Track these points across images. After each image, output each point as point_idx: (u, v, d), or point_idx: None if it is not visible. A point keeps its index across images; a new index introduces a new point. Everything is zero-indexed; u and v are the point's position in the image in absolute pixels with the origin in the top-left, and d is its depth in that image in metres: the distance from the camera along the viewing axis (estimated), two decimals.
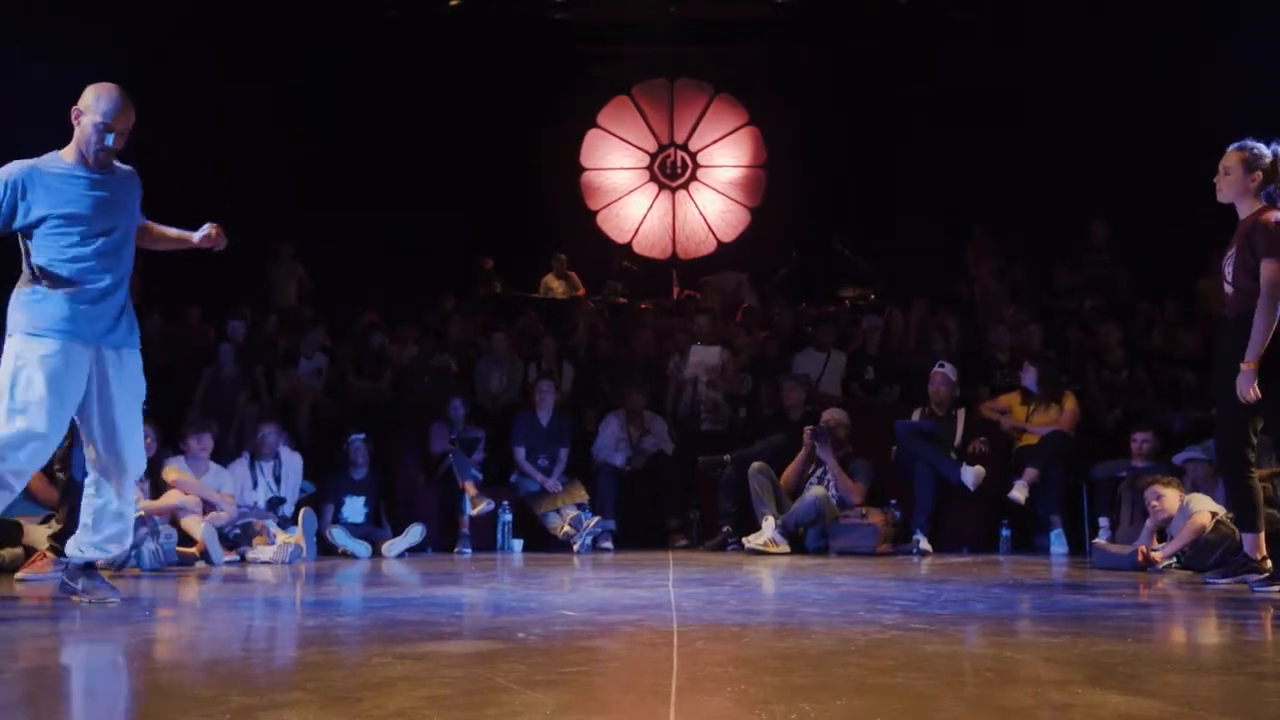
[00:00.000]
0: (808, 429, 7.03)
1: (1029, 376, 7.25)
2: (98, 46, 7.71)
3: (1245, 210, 4.36)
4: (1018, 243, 10.35)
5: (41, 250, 3.68)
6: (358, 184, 10.64)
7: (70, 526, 4.20)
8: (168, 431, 6.65)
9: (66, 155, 3.80)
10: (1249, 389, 4.13)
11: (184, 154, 8.87)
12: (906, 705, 1.95)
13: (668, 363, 8.77)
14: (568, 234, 12.81)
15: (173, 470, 6.31)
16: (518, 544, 7.12)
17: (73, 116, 3.77)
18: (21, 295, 3.70)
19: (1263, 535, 4.44)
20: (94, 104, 3.75)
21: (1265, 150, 4.32)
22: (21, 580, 4.84)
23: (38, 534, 5.37)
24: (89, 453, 3.81)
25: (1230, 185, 4.37)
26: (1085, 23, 9.84)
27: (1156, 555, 5.42)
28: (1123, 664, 2.43)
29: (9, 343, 3.63)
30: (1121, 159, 9.68)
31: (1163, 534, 5.61)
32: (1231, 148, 4.39)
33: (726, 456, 7.34)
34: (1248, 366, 4.16)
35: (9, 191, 3.66)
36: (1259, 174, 4.30)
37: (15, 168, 3.70)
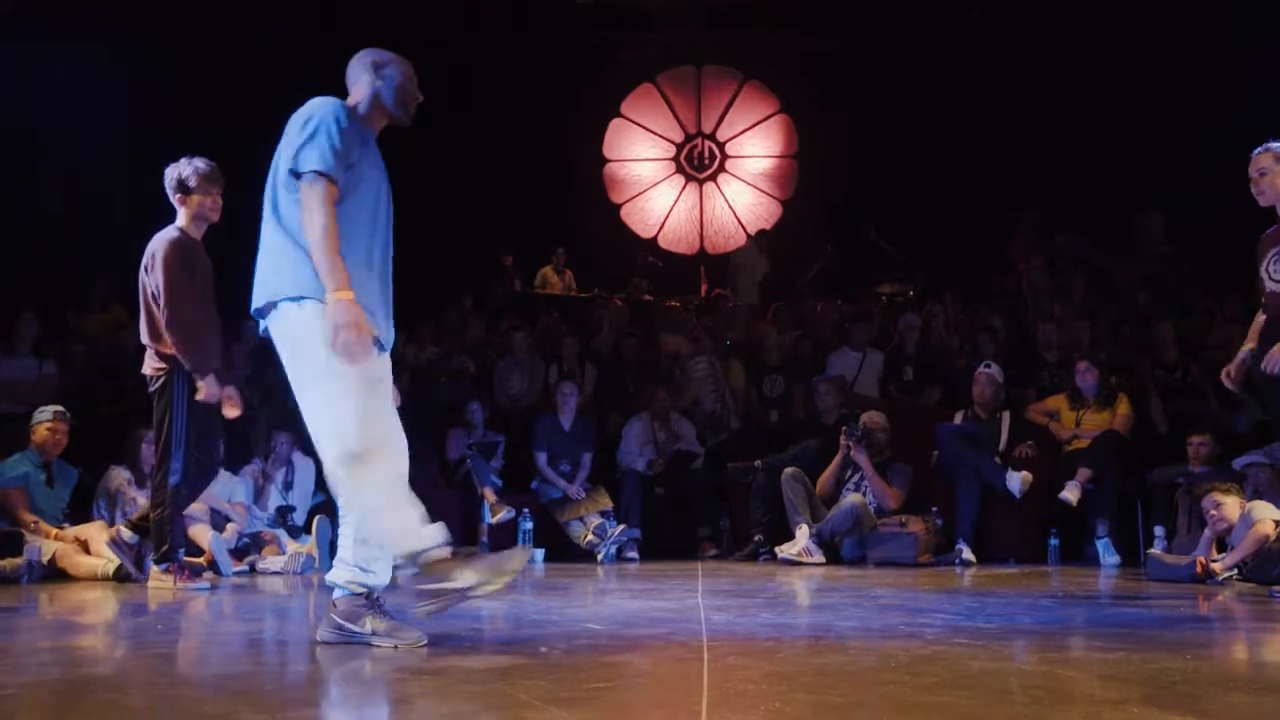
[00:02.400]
0: (843, 429, 7.01)
1: (1085, 379, 7.19)
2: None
3: None
4: (1067, 235, 10.28)
5: None
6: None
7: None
8: None
9: None
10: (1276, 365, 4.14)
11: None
12: None
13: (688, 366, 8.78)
14: (590, 228, 12.85)
15: None
16: (539, 553, 7.13)
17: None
18: None
19: None
20: None
21: None
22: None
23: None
24: None
25: (1269, 186, 4.37)
26: (1131, 5, 9.76)
27: (1216, 566, 5.35)
28: (1182, 682, 2.40)
29: None
30: (1179, 144, 9.59)
31: (1222, 544, 5.55)
32: (1258, 151, 4.39)
33: (758, 462, 7.33)
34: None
35: None
36: None
37: None
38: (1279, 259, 4.36)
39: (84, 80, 8.87)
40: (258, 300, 3.02)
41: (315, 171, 2.91)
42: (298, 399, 3.03)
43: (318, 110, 3.00)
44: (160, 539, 5.05)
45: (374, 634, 2.91)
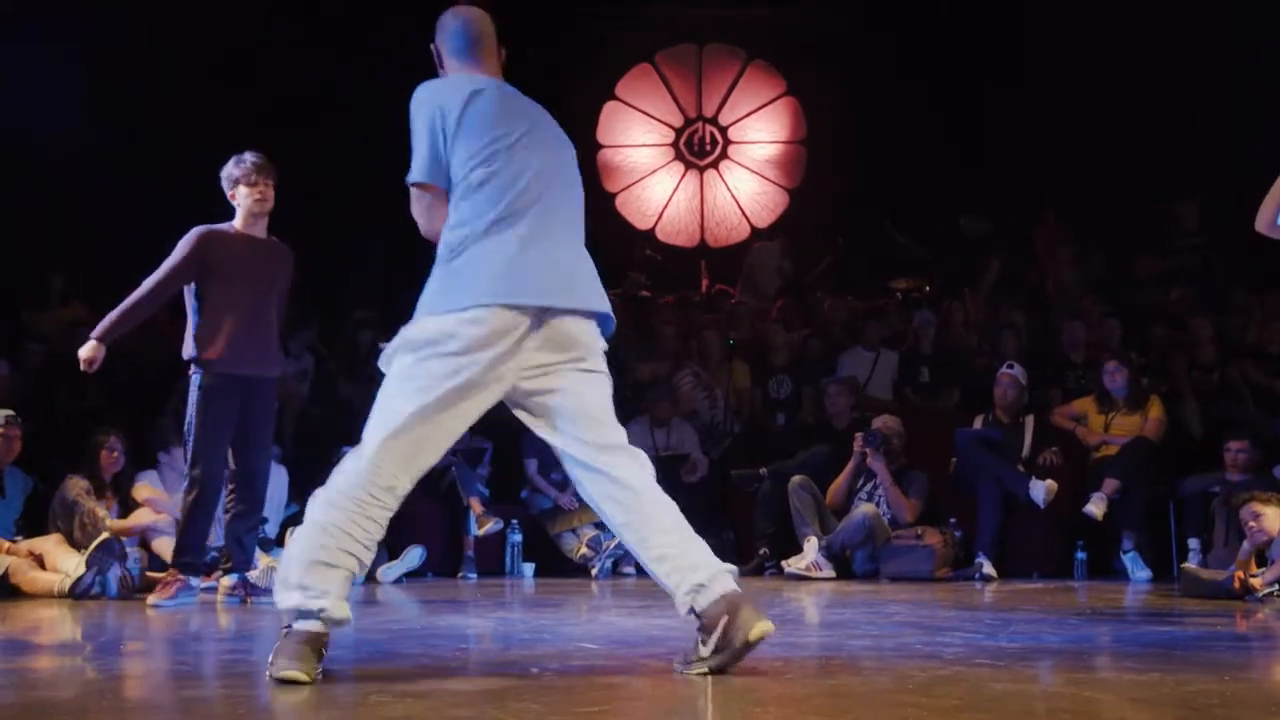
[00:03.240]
0: (858, 435, 7.02)
1: (1114, 380, 7.20)
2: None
3: None
4: (1095, 227, 10.30)
5: None
6: (347, 164, 10.69)
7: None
8: (137, 443, 6.71)
9: None
10: None
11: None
12: None
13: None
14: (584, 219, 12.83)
15: (144, 487, 6.37)
16: (529, 568, 7.15)
17: None
18: None
19: None
20: None
21: None
22: (155, 606, 4.99)
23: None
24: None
25: None
26: None
27: (1256, 582, 5.37)
28: (1219, 706, 2.41)
29: None
30: (1213, 131, 9.61)
31: (1262, 558, 5.56)
32: None
33: (763, 470, 7.35)
34: None
35: None
36: None
37: None
38: None
39: (38, 74, 8.89)
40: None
41: None
42: None
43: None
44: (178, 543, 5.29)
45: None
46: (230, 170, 5.22)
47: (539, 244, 2.92)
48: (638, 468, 2.93)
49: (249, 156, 5.21)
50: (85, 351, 5.01)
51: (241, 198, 5.22)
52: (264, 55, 10.25)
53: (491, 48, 3.13)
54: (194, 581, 5.21)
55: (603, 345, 3.01)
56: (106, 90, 9.77)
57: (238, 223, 5.25)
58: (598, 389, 2.96)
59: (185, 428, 5.17)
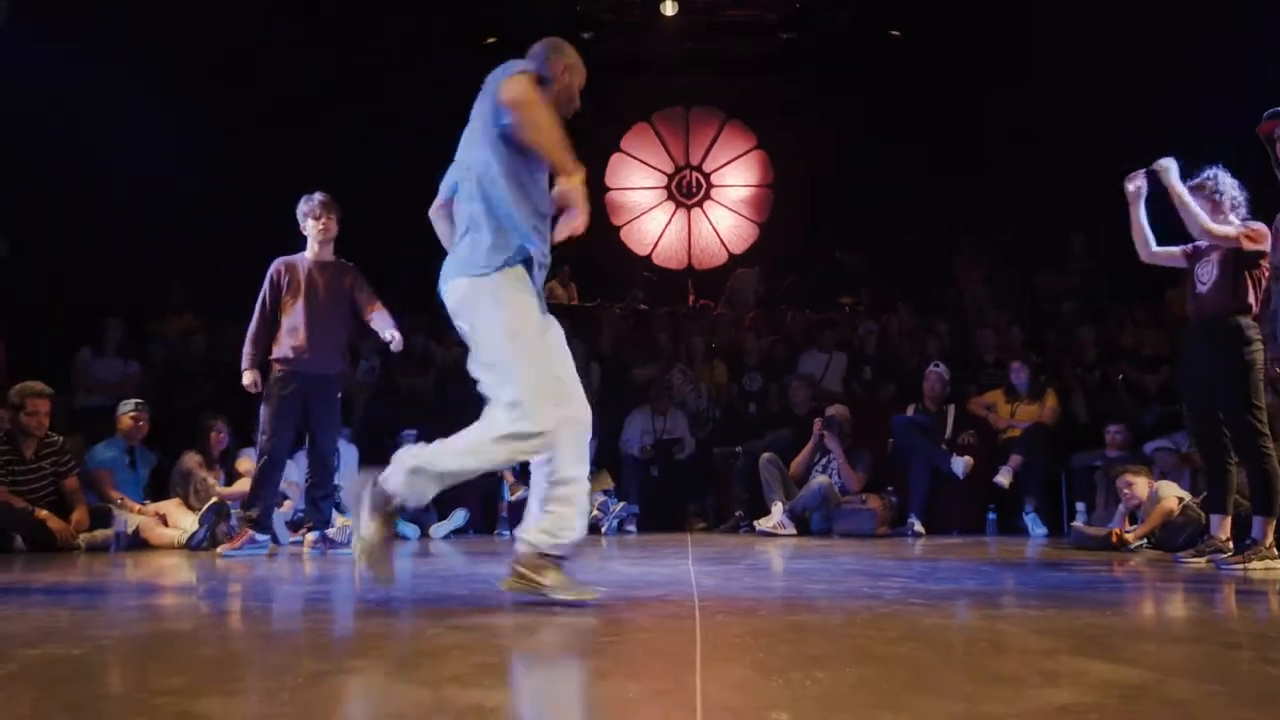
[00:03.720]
0: (818, 420, 7.03)
1: (1018, 376, 7.22)
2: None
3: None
4: (1003, 253, 10.31)
5: None
6: (405, 204, 10.63)
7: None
8: (240, 426, 6.72)
9: None
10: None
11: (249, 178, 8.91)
12: (911, 673, 1.95)
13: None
14: (593, 248, 12.80)
15: (245, 460, 6.38)
16: None
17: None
18: None
19: (1229, 519, 4.43)
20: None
21: (1208, 180, 4.33)
22: (224, 555, 5.05)
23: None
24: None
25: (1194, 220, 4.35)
26: (1071, 56, 9.73)
27: (1129, 536, 5.39)
28: (1103, 635, 2.42)
29: None
30: (1099, 175, 9.57)
31: (1134, 517, 5.58)
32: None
33: (739, 448, 7.35)
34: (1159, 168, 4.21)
35: None
36: (1218, 195, 4.32)
37: None
38: (1206, 264, 4.32)
39: (159, 105, 8.56)
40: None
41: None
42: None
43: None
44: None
45: (551, 587, 2.83)
46: (301, 206, 5.29)
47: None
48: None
49: (317, 195, 5.28)
50: (247, 380, 5.18)
51: (310, 229, 5.28)
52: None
53: None
54: (259, 536, 5.21)
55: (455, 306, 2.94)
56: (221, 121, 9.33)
57: (310, 251, 5.31)
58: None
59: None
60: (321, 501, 5.40)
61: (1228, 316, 4.22)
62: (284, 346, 5.15)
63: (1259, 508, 4.23)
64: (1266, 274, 4.26)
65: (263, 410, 5.15)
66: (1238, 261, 4.23)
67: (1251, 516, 4.27)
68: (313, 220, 5.26)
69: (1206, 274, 4.32)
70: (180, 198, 8.91)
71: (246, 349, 5.19)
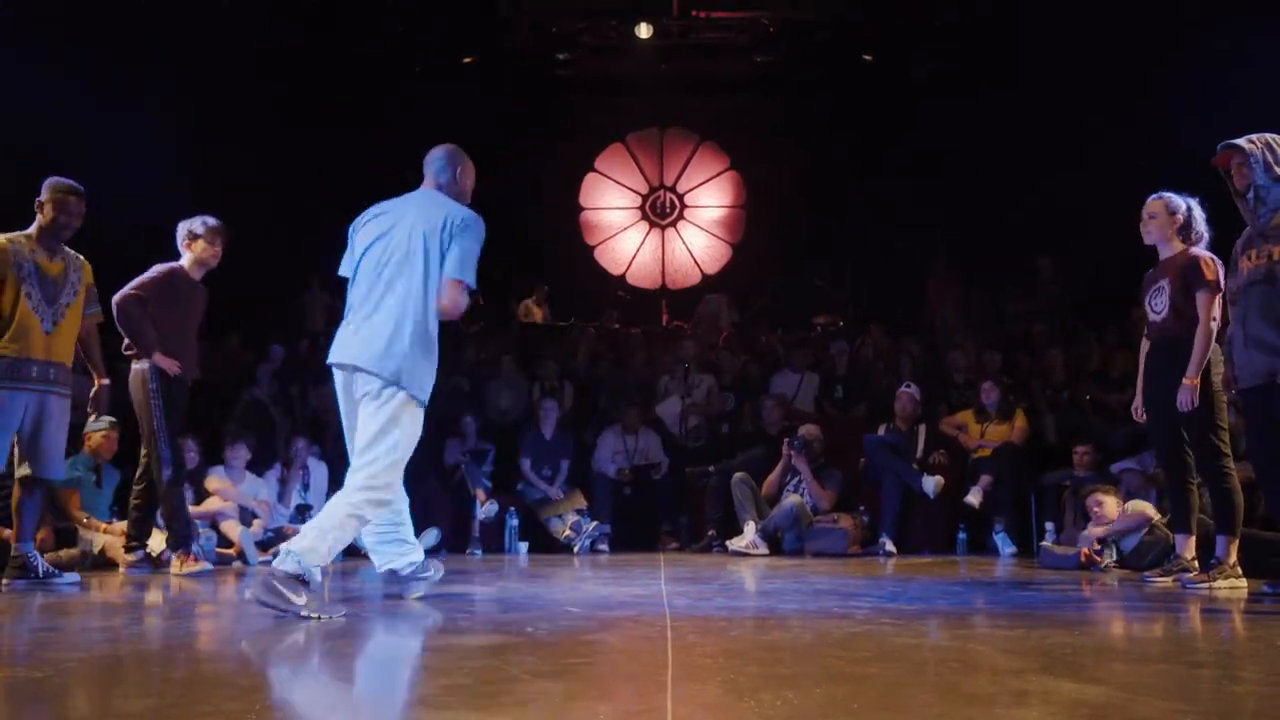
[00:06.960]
0: (785, 440, 7.04)
1: (988, 396, 7.29)
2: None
3: (1168, 250, 4.50)
4: (976, 276, 10.42)
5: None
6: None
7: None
8: (209, 444, 6.64)
9: None
10: (1190, 400, 4.22)
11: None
12: (881, 693, 1.95)
13: (658, 385, 8.77)
14: (568, 267, 12.83)
15: (214, 479, 6.30)
16: (523, 546, 7.10)
17: None
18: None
19: (1194, 538, 4.49)
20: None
21: (1180, 200, 4.47)
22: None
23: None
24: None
25: (1156, 228, 4.51)
26: (1034, 82, 9.88)
27: (1098, 530, 5.45)
28: (1071, 654, 2.43)
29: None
30: (1067, 202, 9.72)
31: (1103, 540, 5.61)
32: (1152, 197, 4.56)
33: (711, 468, 7.35)
34: (1190, 382, 4.23)
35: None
36: (1179, 218, 4.45)
37: None
38: (1159, 294, 4.46)
39: (155, 134, 8.53)
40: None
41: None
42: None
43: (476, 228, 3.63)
44: (169, 529, 5.21)
45: (303, 606, 3.02)
46: (194, 227, 5.22)
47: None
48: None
49: (211, 220, 5.26)
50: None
51: (200, 251, 5.22)
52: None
53: (429, 173, 3.87)
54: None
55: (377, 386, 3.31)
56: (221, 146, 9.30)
57: (189, 267, 5.25)
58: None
59: (149, 424, 5.25)
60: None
61: (1184, 342, 4.31)
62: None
63: (1222, 527, 4.29)
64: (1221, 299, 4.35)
65: (157, 414, 5.16)
66: (1185, 289, 4.34)
67: (1215, 536, 4.33)
68: (211, 246, 5.24)
69: (1160, 303, 4.45)
70: (144, 211, 8.83)
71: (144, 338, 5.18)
